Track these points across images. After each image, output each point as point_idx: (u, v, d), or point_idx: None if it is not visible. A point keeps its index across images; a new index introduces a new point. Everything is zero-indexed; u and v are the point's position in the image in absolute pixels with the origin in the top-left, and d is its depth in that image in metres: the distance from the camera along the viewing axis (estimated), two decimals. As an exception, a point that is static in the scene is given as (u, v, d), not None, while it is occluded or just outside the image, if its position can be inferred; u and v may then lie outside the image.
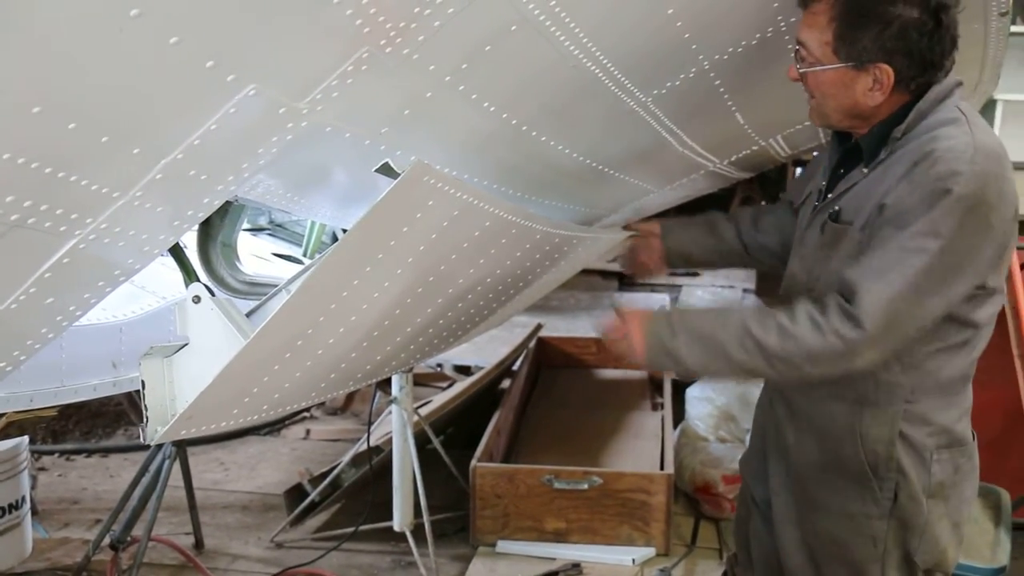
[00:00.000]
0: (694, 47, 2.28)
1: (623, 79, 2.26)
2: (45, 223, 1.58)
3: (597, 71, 2.15)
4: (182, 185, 1.69)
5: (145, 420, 2.30)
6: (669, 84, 2.43)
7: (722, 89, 2.60)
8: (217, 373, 2.11)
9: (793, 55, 2.16)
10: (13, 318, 1.78)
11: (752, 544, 2.57)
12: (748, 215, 2.70)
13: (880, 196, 2.07)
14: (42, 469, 4.94)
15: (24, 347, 1.93)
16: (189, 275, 2.50)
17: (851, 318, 2.01)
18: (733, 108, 2.79)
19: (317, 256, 4.32)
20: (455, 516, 4.25)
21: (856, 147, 2.22)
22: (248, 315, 2.49)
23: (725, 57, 2.39)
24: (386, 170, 2.09)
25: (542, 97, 2.19)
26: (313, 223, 4.16)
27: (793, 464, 2.33)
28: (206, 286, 2.33)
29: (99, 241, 1.71)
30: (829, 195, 2.26)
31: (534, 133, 2.32)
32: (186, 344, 2.33)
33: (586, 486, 3.95)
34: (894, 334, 2.04)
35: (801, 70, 2.14)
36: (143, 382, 2.28)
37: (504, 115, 2.14)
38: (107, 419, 5.60)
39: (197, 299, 2.32)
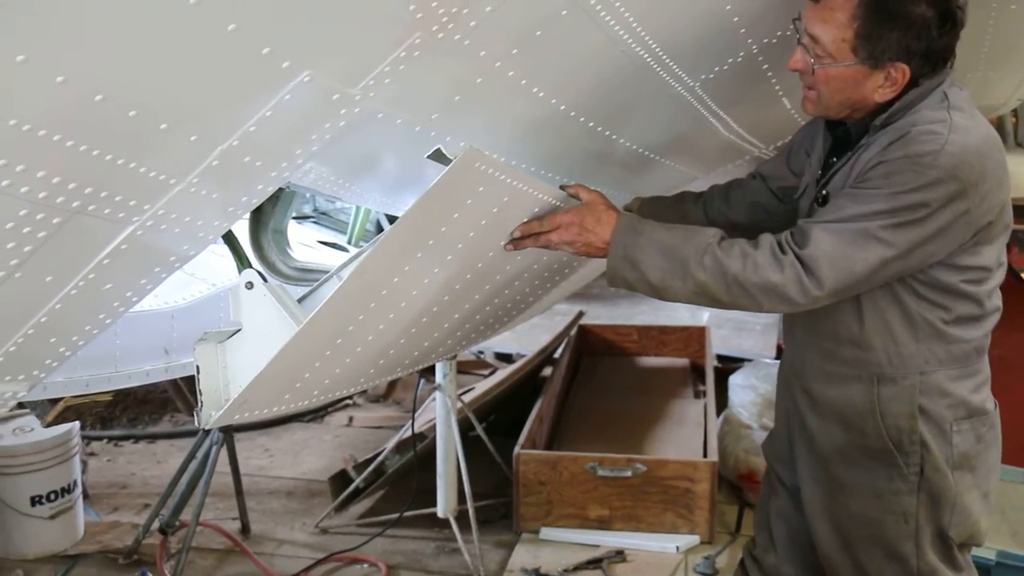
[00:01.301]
0: (743, 31, 2.27)
1: (671, 64, 2.25)
2: (104, 210, 1.61)
3: (646, 56, 2.14)
4: (237, 171, 1.71)
5: (199, 405, 2.33)
6: (717, 68, 2.42)
7: (770, 73, 2.59)
8: (270, 359, 2.14)
9: (800, 46, 2.11)
10: (72, 304, 1.81)
11: (775, 523, 2.56)
12: (719, 191, 2.64)
13: (854, 176, 2.10)
14: (91, 454, 5.01)
15: (82, 332, 1.96)
16: (242, 261, 2.52)
17: (802, 262, 2.03)
18: (780, 92, 2.78)
19: (363, 244, 4.36)
20: (498, 503, 4.27)
21: (847, 134, 2.21)
22: (299, 301, 2.51)
23: (774, 41, 2.38)
24: (438, 156, 2.10)
25: (590, 82, 2.19)
26: (357, 211, 4.19)
27: (818, 449, 2.33)
28: (258, 272, 2.35)
29: (156, 228, 1.73)
30: (822, 183, 2.26)
31: (581, 119, 2.32)
32: (239, 330, 2.36)
33: (630, 473, 3.95)
34: (839, 279, 2.04)
35: (816, 67, 2.09)
36: (197, 367, 2.31)
37: (552, 100, 2.14)
38: (153, 406, 5.67)
39: (250, 285, 2.34)
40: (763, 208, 2.56)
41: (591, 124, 2.38)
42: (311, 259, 3.36)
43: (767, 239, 2.10)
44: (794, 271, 2.04)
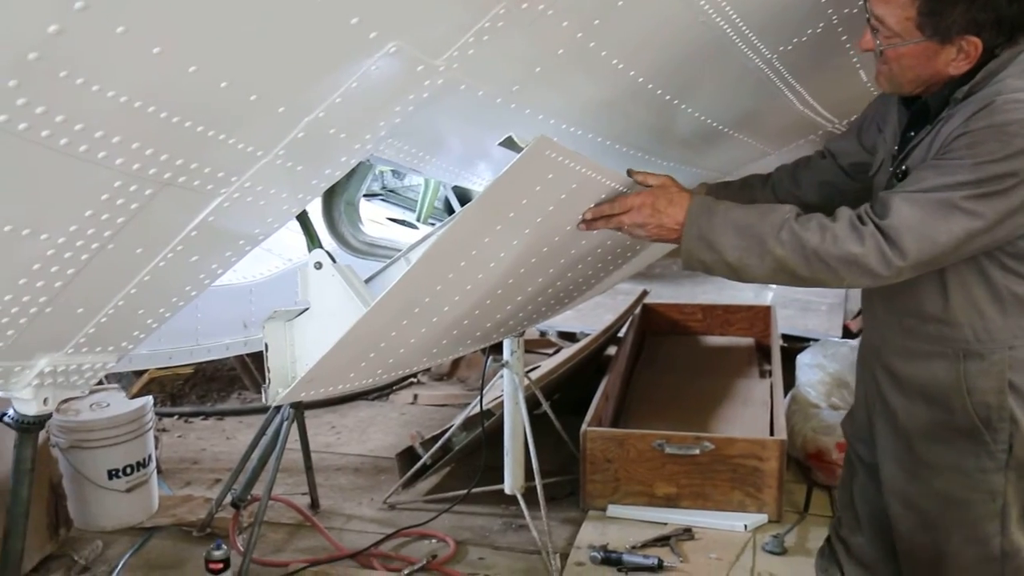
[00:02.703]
0: (824, 0, 2.24)
1: (751, 35, 2.23)
2: (194, 181, 1.63)
3: (726, 27, 2.12)
4: (322, 143, 1.73)
5: (267, 382, 2.37)
6: (796, 40, 2.39)
7: (848, 45, 2.55)
8: (338, 339, 2.17)
9: (868, 26, 2.07)
10: (161, 276, 1.85)
11: (859, 503, 2.53)
12: (786, 172, 2.58)
13: (936, 148, 2.05)
14: (163, 430, 5.09)
15: (169, 304, 1.99)
16: (312, 240, 2.55)
17: (883, 232, 1.99)
18: (858, 65, 2.73)
19: (431, 221, 4.37)
20: (564, 480, 4.27)
21: (924, 107, 2.16)
22: (367, 281, 2.53)
23: (854, 11, 2.34)
24: (508, 143, 2.11)
25: (669, 54, 2.18)
26: (426, 188, 4.20)
27: (900, 428, 2.28)
28: (327, 252, 2.38)
29: (242, 200, 1.76)
30: (900, 157, 2.20)
31: (659, 91, 2.31)
32: (307, 308, 2.39)
33: (697, 451, 3.93)
34: (923, 249, 1.99)
35: (882, 48, 2.05)
36: (266, 344, 2.35)
37: (631, 72, 2.13)
38: (221, 383, 5.75)
39: (319, 265, 2.37)
40: (834, 187, 2.51)
41: (667, 97, 2.36)
42: (380, 235, 3.37)
43: (845, 211, 2.06)
44: (875, 242, 1.99)
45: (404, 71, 1.65)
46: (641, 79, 2.18)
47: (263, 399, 2.44)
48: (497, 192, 2.04)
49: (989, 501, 2.20)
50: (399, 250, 3.03)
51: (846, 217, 2.04)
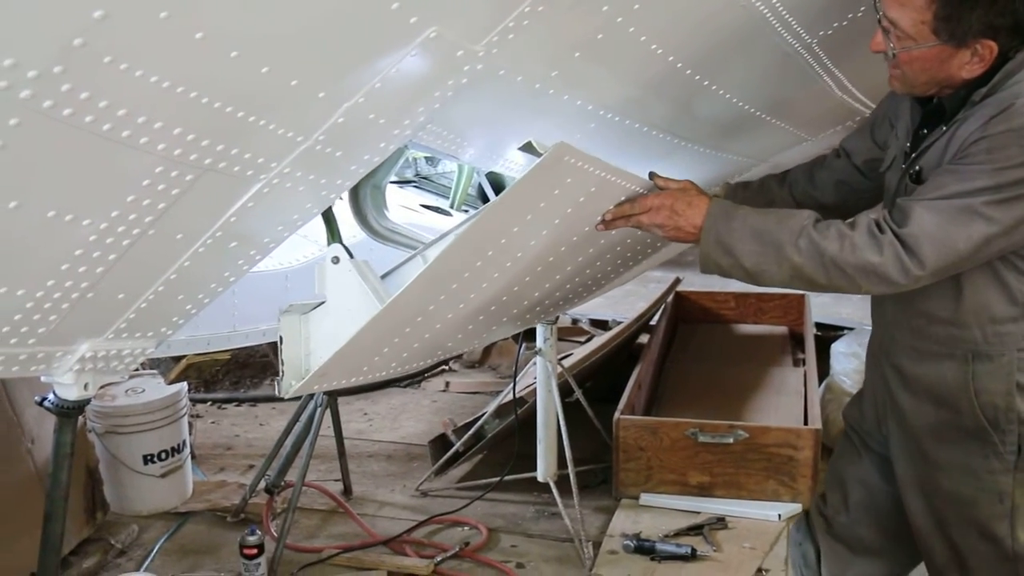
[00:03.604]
0: (866, -17, 2.21)
1: (791, 19, 2.21)
2: (234, 167, 1.64)
3: (766, 11, 2.10)
4: (361, 129, 1.73)
5: (281, 374, 2.41)
6: (836, 24, 2.36)
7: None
8: (351, 335, 2.21)
9: (880, 28, 2.05)
10: (200, 262, 1.85)
11: (851, 487, 2.52)
12: (803, 171, 2.57)
13: (953, 151, 2.02)
14: (196, 416, 5.13)
15: (208, 290, 2.00)
16: (333, 235, 2.56)
17: (902, 241, 1.98)
18: (898, 49, 2.70)
19: (466, 208, 4.36)
20: (597, 468, 4.26)
21: (939, 106, 2.13)
22: (383, 277, 2.55)
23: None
24: (528, 148, 2.13)
25: (708, 39, 2.16)
26: (460, 175, 4.19)
27: (909, 426, 2.28)
28: (345, 247, 2.40)
29: (282, 185, 1.76)
30: (913, 156, 2.18)
31: (697, 76, 2.29)
32: (323, 303, 2.42)
33: (731, 440, 3.91)
34: (942, 258, 1.98)
35: (895, 51, 2.03)
36: (280, 337, 2.38)
37: (670, 57, 2.11)
38: (254, 370, 5.78)
39: (336, 260, 2.40)
40: (849, 187, 2.49)
41: (705, 82, 2.34)
42: (404, 224, 3.36)
43: (864, 219, 2.04)
44: (893, 251, 1.98)
45: (444, 56, 1.64)
46: (680, 64, 2.17)
47: (276, 391, 2.46)
48: (515, 196, 2.07)
49: (997, 502, 2.19)
50: (420, 241, 3.05)
51: (864, 225, 2.03)
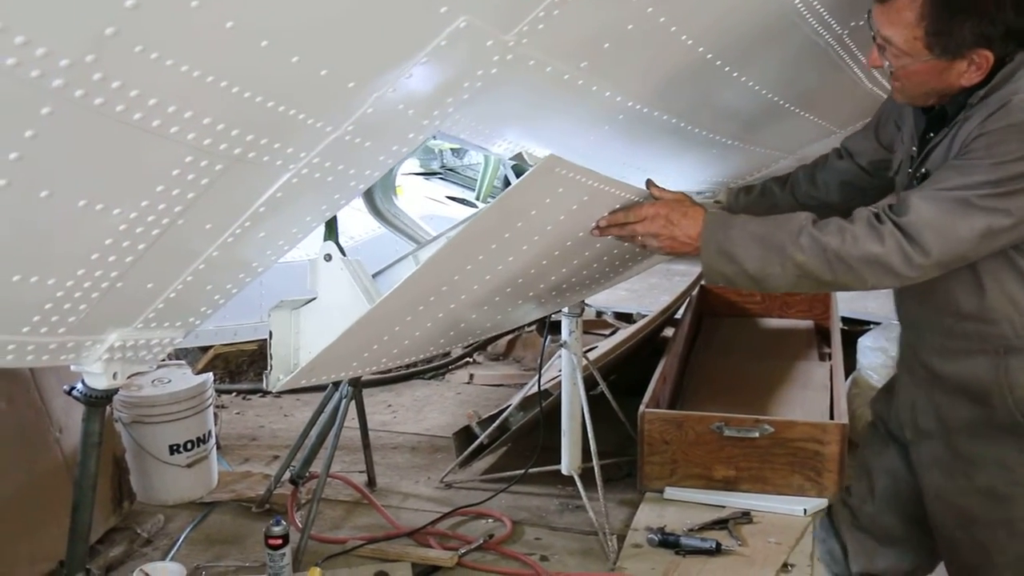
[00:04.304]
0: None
1: (822, 10, 2.19)
2: (264, 157, 1.64)
3: (798, 2, 2.08)
4: (391, 119, 1.72)
5: (269, 368, 2.43)
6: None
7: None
8: (340, 333, 2.23)
9: (875, 45, 2.06)
10: (229, 252, 1.86)
11: (877, 476, 2.51)
12: (804, 174, 2.57)
13: (956, 150, 2.03)
14: (222, 407, 5.15)
15: (236, 280, 2.01)
16: (330, 232, 2.58)
17: (903, 230, 1.98)
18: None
19: (491, 199, 4.36)
20: (621, 461, 4.25)
21: (942, 110, 2.13)
22: (375, 276, 2.59)
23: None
24: (519, 159, 2.13)
25: (738, 30, 2.15)
26: (486, 167, 4.18)
27: (943, 424, 2.26)
28: (339, 245, 2.44)
29: (310, 176, 1.75)
30: (920, 159, 2.18)
31: (727, 68, 2.27)
32: (314, 298, 2.45)
33: (757, 434, 3.89)
34: (945, 247, 1.99)
35: (891, 68, 2.04)
36: (271, 332, 2.40)
37: (700, 48, 2.10)
38: (279, 361, 5.79)
39: (328, 257, 2.43)
40: (854, 187, 2.49)
41: (735, 74, 2.33)
42: (410, 213, 3.35)
43: (863, 211, 2.05)
44: (895, 240, 1.98)
45: (474, 46, 1.63)
46: (709, 55, 2.15)
47: (264, 384, 2.49)
48: (505, 205, 2.10)
49: None
50: (420, 233, 3.06)
51: (864, 217, 2.03)
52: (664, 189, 2.28)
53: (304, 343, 2.43)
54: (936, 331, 2.23)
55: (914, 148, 2.20)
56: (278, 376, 2.41)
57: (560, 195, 2.10)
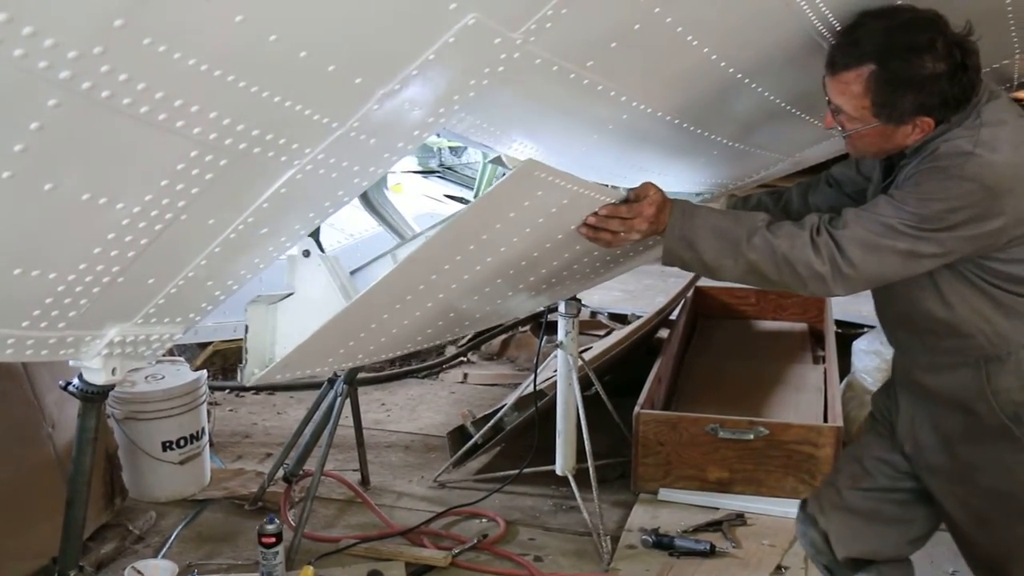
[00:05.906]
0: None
1: (832, 18, 2.18)
2: (269, 152, 1.62)
3: (804, 5, 2.08)
4: (396, 116, 1.71)
5: (244, 362, 2.43)
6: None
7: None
8: (315, 329, 2.25)
9: (829, 109, 2.22)
10: (231, 247, 1.84)
11: (870, 462, 2.57)
12: (799, 192, 2.71)
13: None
14: (215, 404, 5.12)
15: (238, 276, 1.99)
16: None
17: (836, 241, 2.16)
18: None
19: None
20: (615, 462, 4.24)
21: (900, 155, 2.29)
22: (352, 273, 2.61)
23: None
24: (497, 163, 2.13)
25: (745, 34, 2.14)
26: (484, 166, 4.17)
27: (942, 434, 2.38)
28: (317, 242, 2.46)
29: (315, 172, 1.74)
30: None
31: (731, 70, 2.26)
32: (291, 294, 2.46)
33: (752, 436, 3.89)
34: (871, 263, 2.16)
35: (843, 134, 2.24)
36: (246, 327, 2.41)
37: (705, 50, 2.09)
38: (271, 359, 5.77)
39: (307, 253, 2.46)
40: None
41: (739, 76, 2.32)
42: (398, 207, 3.34)
43: (810, 219, 2.22)
44: (828, 250, 2.16)
45: (481, 44, 1.62)
46: (715, 57, 2.15)
47: (238, 379, 2.49)
48: (483, 207, 2.17)
49: None
50: (404, 228, 3.06)
51: (809, 225, 2.21)
52: (638, 187, 2.36)
53: (280, 338, 2.45)
54: (922, 350, 2.38)
55: (882, 187, 2.33)
56: (253, 370, 2.43)
57: (539, 198, 2.14)
